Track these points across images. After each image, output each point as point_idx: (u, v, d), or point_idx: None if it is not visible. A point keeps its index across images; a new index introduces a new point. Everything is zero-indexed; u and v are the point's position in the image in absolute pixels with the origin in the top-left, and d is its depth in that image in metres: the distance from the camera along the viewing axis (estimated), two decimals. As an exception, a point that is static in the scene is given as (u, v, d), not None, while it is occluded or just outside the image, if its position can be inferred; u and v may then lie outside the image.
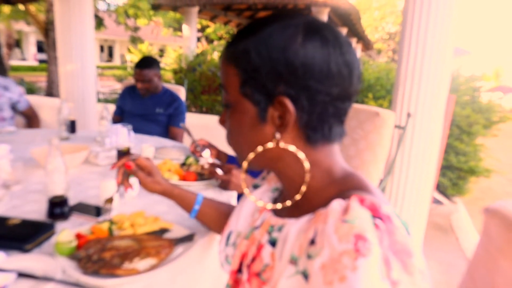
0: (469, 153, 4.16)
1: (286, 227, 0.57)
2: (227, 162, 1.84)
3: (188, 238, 1.00)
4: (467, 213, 3.94)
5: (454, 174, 4.18)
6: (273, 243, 0.59)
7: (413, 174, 2.35)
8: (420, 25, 2.24)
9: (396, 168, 2.39)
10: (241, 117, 0.58)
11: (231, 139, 0.64)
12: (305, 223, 0.53)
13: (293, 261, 0.51)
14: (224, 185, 1.43)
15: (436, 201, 3.92)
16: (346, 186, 0.55)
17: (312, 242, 0.48)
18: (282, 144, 0.57)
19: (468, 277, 0.75)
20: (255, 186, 0.80)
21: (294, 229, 0.54)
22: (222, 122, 0.66)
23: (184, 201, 1.01)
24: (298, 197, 0.59)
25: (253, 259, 0.61)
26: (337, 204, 0.49)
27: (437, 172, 3.41)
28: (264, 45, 0.54)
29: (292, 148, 0.57)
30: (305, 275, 0.47)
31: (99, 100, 5.57)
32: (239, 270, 0.66)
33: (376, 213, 0.46)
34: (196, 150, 1.76)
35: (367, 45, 17.57)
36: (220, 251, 0.78)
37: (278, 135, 0.56)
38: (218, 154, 1.84)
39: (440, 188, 4.20)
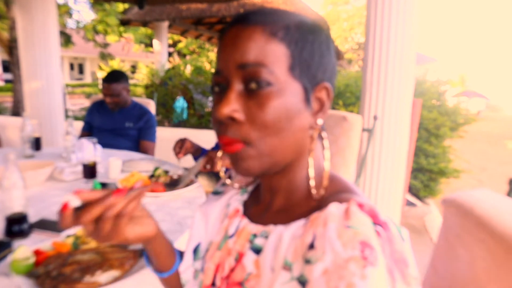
0: (438, 155, 4.28)
1: (274, 233, 0.53)
2: (201, 154, 1.84)
3: (154, 248, 0.97)
4: (440, 213, 4.03)
5: (425, 176, 4.29)
6: (256, 250, 0.55)
7: (384, 175, 2.39)
8: (382, 32, 2.31)
9: (367, 170, 2.42)
10: (288, 99, 0.51)
11: (270, 127, 0.51)
12: (299, 228, 0.50)
13: (287, 266, 0.48)
14: (212, 166, 1.57)
15: (410, 203, 4.00)
16: (333, 189, 0.54)
17: (311, 246, 0.46)
18: (324, 134, 0.55)
19: (431, 268, 0.76)
20: (217, 193, 0.73)
21: (287, 234, 0.51)
22: (234, 111, 0.51)
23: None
24: (314, 191, 0.55)
25: (232, 270, 0.57)
26: (334, 208, 0.47)
27: (408, 174, 3.49)
28: (315, 35, 0.54)
29: (324, 134, 0.56)
30: (302, 281, 0.45)
31: (67, 117, 5.45)
32: (212, 284, 0.61)
33: (376, 220, 0.45)
34: (204, 167, 1.65)
35: (337, 55, 17.98)
36: (187, 268, 0.68)
37: (321, 121, 0.54)
38: (192, 147, 1.82)
39: (412, 191, 4.30)
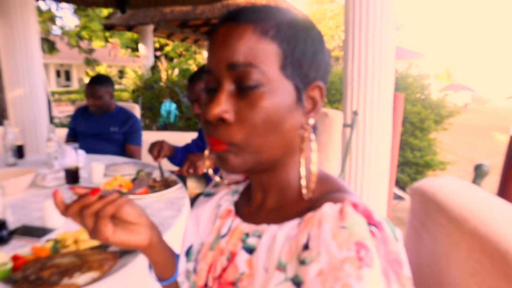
0: (424, 148, 4.34)
1: (268, 233, 0.53)
2: (176, 154, 1.86)
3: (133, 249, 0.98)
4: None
5: (412, 170, 4.34)
6: (249, 250, 0.55)
7: (368, 170, 2.42)
8: (361, 28, 2.34)
9: (352, 165, 2.45)
10: (280, 99, 0.50)
11: (260, 128, 0.50)
12: (293, 228, 0.50)
13: (281, 267, 0.48)
14: (194, 170, 1.51)
15: (397, 197, 4.04)
16: (326, 188, 0.54)
17: (306, 247, 0.45)
18: (313, 136, 0.54)
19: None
20: (207, 195, 0.73)
21: (281, 234, 0.51)
22: (224, 112, 0.51)
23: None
24: (305, 191, 0.54)
25: (224, 269, 0.57)
26: (329, 208, 0.47)
27: (394, 168, 3.53)
28: (307, 32, 0.53)
29: (313, 136, 0.54)
30: (296, 282, 0.44)
31: (53, 124, 5.43)
32: (205, 285, 0.61)
33: (370, 220, 0.44)
34: (187, 172, 1.61)
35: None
36: (182, 272, 0.69)
37: (312, 121, 0.54)
38: (169, 149, 1.82)
39: (400, 184, 4.35)
